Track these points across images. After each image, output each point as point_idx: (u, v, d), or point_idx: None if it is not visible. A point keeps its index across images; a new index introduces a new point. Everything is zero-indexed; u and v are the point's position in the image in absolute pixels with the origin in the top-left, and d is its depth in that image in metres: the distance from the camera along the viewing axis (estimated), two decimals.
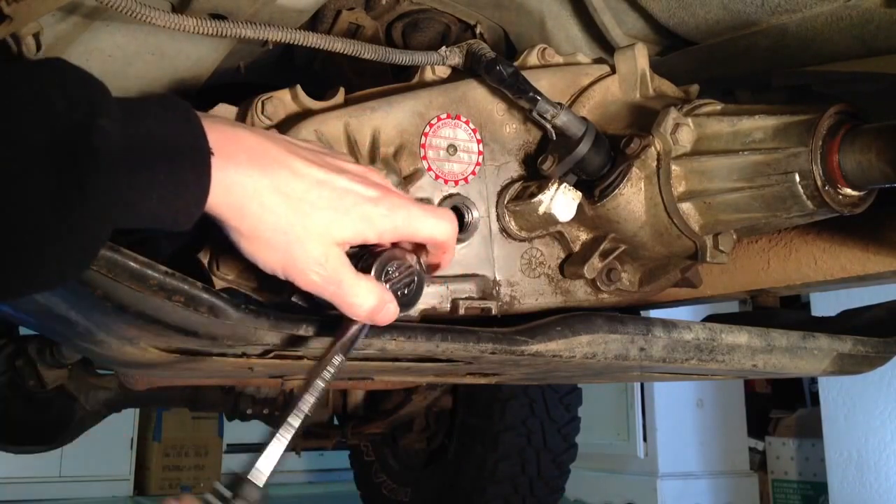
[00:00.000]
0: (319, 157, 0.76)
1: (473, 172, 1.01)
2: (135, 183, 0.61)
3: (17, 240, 0.56)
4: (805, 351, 1.18)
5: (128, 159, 0.60)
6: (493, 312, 1.00)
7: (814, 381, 4.12)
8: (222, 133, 0.69)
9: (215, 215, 0.70)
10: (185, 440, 5.10)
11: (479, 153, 1.02)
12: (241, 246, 0.73)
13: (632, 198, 1.00)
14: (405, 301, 0.81)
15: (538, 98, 0.98)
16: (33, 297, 0.83)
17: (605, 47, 1.29)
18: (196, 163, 0.65)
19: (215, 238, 0.87)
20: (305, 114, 0.93)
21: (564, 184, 0.98)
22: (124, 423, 4.80)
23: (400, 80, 1.06)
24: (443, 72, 1.05)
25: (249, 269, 0.88)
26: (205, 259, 0.88)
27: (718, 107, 1.02)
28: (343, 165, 0.78)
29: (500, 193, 1.03)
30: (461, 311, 0.97)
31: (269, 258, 0.73)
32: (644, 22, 1.24)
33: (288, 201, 0.71)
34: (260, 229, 0.71)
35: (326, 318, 0.85)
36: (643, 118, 1.04)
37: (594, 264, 1.04)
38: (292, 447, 2.80)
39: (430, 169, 0.98)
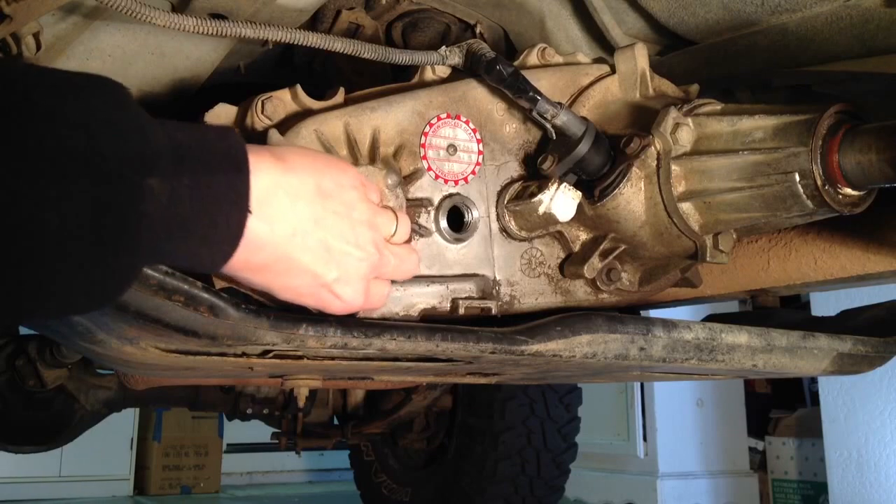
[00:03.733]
0: (351, 225, 0.79)
1: (473, 172, 1.01)
2: (170, 245, 0.63)
3: (47, 273, 0.55)
4: (805, 351, 1.18)
5: (169, 225, 0.61)
6: (493, 312, 1.00)
7: (814, 380, 4.12)
8: (265, 187, 0.71)
9: (232, 271, 0.72)
10: (185, 440, 5.09)
11: (479, 153, 1.02)
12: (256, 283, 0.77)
13: (632, 197, 1.00)
14: None
15: (538, 98, 0.98)
16: None
17: (605, 47, 1.29)
18: (232, 232, 0.67)
19: None
20: (305, 113, 0.93)
21: (564, 183, 0.98)
22: (124, 423, 4.80)
23: (400, 79, 1.06)
24: (443, 72, 1.05)
25: None
26: None
27: (718, 106, 1.02)
28: (372, 238, 0.81)
29: (500, 193, 1.03)
30: (461, 311, 0.97)
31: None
32: (644, 22, 1.24)
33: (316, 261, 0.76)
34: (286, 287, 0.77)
35: (326, 318, 0.85)
36: (643, 118, 1.04)
37: (594, 264, 1.04)
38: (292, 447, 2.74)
39: (430, 168, 0.98)
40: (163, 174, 0.60)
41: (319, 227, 0.75)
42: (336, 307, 0.81)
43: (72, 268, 0.56)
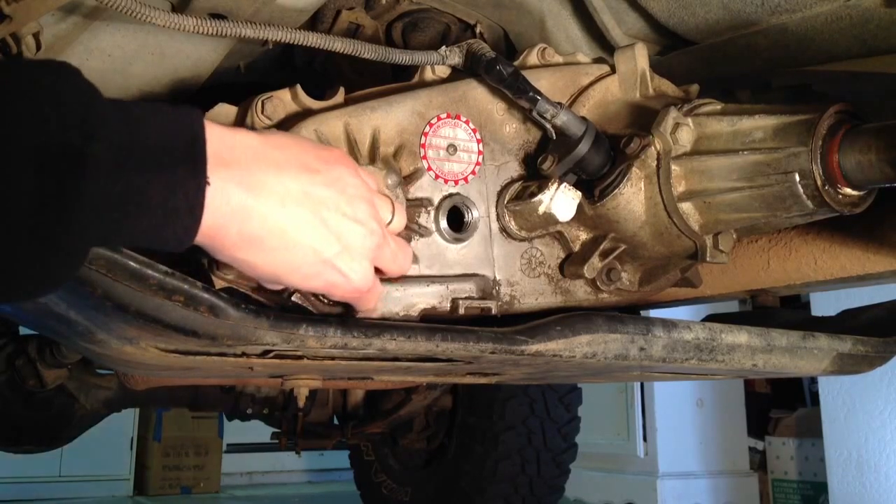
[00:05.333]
0: (347, 200, 0.76)
1: (473, 172, 1.01)
2: (124, 216, 0.60)
3: None
4: (805, 350, 1.18)
5: (120, 193, 0.59)
6: (493, 312, 1.00)
7: (814, 380, 4.12)
8: (245, 157, 0.68)
9: (227, 249, 0.70)
10: (185, 440, 5.10)
11: (479, 153, 1.02)
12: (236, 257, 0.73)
13: (632, 197, 1.00)
14: None
15: (538, 98, 0.98)
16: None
17: (605, 47, 1.29)
18: (190, 197, 0.63)
19: None
20: (305, 113, 0.93)
21: (564, 183, 0.98)
22: (124, 423, 4.81)
23: (400, 79, 1.06)
24: (443, 71, 1.05)
25: None
26: (205, 258, 0.88)
27: (718, 106, 1.02)
28: (357, 210, 0.78)
29: (500, 193, 1.03)
30: (461, 311, 0.97)
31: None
32: (644, 21, 1.24)
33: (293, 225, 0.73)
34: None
35: (326, 318, 0.85)
36: (643, 118, 1.04)
37: (594, 264, 1.04)
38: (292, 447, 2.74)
39: (429, 168, 0.98)
40: (110, 139, 0.58)
41: (310, 199, 0.73)
42: (343, 288, 0.78)
43: (14, 240, 0.54)
